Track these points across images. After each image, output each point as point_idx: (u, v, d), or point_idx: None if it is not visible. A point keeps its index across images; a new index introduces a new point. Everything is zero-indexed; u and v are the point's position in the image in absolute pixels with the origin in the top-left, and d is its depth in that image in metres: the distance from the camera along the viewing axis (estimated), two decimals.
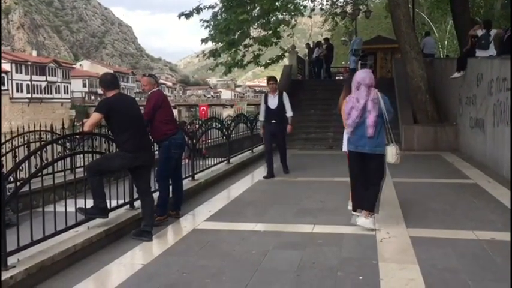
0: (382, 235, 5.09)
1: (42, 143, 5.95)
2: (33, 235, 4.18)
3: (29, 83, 68.70)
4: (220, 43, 14.09)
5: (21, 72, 67.73)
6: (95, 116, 4.86)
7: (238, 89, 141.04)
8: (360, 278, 3.94)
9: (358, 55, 21.41)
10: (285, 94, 9.00)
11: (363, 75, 5.26)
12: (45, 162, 4.36)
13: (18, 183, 3.98)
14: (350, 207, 5.96)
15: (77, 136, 5.30)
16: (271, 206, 6.69)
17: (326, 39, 22.49)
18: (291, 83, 17.48)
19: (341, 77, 25.25)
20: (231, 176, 9.15)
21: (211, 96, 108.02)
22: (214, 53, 14.38)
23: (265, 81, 9.43)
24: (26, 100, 66.95)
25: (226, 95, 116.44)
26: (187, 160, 7.91)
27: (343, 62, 39.73)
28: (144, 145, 5.05)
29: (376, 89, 5.23)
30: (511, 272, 3.73)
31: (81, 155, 5.25)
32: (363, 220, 5.26)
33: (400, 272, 4.03)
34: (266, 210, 6.41)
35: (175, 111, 70.09)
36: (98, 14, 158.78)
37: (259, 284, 3.86)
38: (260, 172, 10.02)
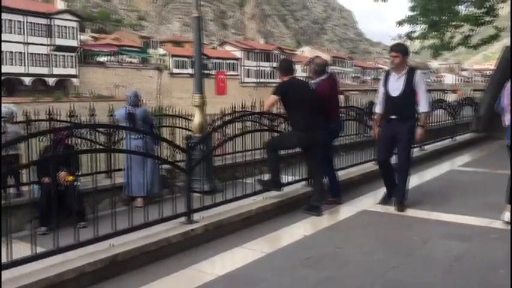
0: None
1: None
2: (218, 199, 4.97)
3: (256, 68, 75.99)
4: (417, 25, 13.37)
5: (250, 59, 75.53)
6: (272, 98, 5.39)
7: (464, 73, 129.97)
8: None
9: None
10: (418, 74, 5.53)
11: None
12: (227, 137, 5.10)
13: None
14: None
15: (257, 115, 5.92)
16: (455, 196, 6.31)
17: None
18: None
19: None
20: (424, 162, 8.77)
21: (432, 80, 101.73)
22: (410, 36, 13.69)
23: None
24: (254, 84, 74.01)
25: (449, 79, 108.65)
26: None
27: None
28: (313, 125, 5.33)
29: None
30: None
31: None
32: (508, 215, 4.76)
33: None
34: (447, 200, 6.09)
35: None
36: (321, 1, 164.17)
37: (406, 268, 3.86)
38: (458, 161, 9.42)
